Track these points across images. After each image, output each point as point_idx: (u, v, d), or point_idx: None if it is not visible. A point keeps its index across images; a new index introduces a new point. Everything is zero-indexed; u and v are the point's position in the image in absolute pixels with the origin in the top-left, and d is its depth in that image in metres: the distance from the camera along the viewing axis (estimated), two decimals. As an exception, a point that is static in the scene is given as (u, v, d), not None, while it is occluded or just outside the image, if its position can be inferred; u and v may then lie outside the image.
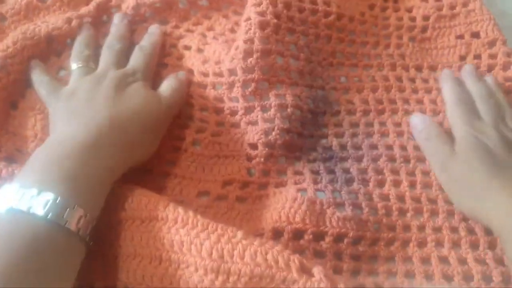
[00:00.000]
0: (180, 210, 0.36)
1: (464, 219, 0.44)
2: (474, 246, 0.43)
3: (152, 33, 0.53)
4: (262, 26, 0.50)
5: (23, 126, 0.47)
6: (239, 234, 0.35)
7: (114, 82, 0.45)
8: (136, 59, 0.49)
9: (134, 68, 0.48)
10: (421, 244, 0.43)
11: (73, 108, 0.43)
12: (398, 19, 0.58)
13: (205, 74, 0.51)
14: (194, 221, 0.35)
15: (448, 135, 0.47)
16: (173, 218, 0.36)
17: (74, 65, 0.49)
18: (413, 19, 0.58)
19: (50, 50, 0.52)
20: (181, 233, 0.35)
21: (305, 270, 0.33)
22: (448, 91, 0.51)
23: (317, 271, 0.32)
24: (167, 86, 0.48)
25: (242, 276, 0.33)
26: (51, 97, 0.46)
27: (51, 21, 0.52)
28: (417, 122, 0.49)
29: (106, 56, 0.49)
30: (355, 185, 0.46)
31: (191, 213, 0.36)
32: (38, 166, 0.37)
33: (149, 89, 0.47)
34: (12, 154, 0.45)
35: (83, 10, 0.54)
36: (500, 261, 0.42)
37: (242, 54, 0.49)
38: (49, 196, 0.34)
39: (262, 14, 0.50)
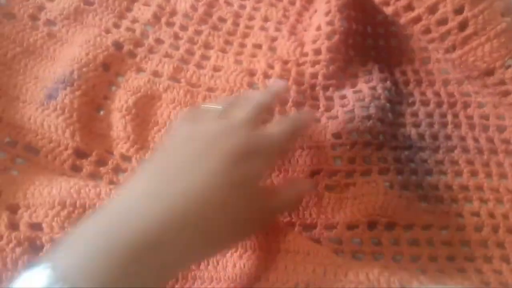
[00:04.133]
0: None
1: None
2: None
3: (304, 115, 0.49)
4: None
5: (112, 128, 0.49)
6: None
7: (242, 146, 0.36)
8: (280, 127, 0.41)
9: (273, 138, 0.39)
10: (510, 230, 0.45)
11: (169, 162, 0.36)
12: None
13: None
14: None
15: None
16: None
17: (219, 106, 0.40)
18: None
19: (122, 53, 0.54)
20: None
21: None
22: None
23: None
24: (289, 191, 0.42)
25: None
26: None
27: (113, 31, 0.56)
28: None
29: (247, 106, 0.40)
30: (434, 177, 0.48)
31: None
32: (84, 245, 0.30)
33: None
34: (103, 156, 0.47)
35: (142, 19, 0.57)
36: None
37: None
38: None
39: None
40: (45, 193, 0.40)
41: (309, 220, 0.45)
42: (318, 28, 0.55)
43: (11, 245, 0.39)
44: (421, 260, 0.44)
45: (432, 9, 0.46)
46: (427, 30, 0.46)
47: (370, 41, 0.57)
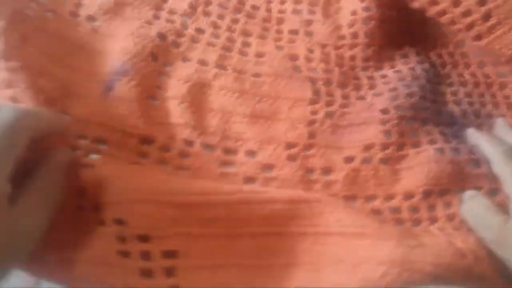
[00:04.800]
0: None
1: None
2: None
3: None
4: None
5: (170, 115, 0.51)
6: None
7: None
8: None
9: None
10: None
11: None
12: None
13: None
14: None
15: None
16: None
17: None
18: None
19: (166, 43, 0.56)
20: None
21: None
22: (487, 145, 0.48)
23: None
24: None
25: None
26: None
27: (154, 22, 0.57)
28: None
29: None
30: None
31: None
32: None
33: None
34: (166, 143, 0.49)
35: (179, 10, 0.60)
36: None
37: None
38: None
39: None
40: (123, 190, 0.41)
41: (369, 192, 0.48)
42: (354, 13, 0.57)
43: (102, 236, 0.39)
44: None
45: (456, 3, 0.50)
46: (453, 22, 0.49)
47: (404, 28, 0.60)
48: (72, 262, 0.38)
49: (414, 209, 0.47)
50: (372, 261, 0.38)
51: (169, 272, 0.39)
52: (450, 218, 0.47)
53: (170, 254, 0.40)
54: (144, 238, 0.40)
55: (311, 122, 0.52)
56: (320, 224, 0.42)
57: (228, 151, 0.49)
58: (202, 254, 0.41)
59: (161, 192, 0.41)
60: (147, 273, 0.39)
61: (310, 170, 0.49)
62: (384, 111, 0.52)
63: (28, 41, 0.51)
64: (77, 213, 0.41)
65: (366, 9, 0.57)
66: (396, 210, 0.47)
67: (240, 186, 0.43)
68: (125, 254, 0.39)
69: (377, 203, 0.47)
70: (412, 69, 0.55)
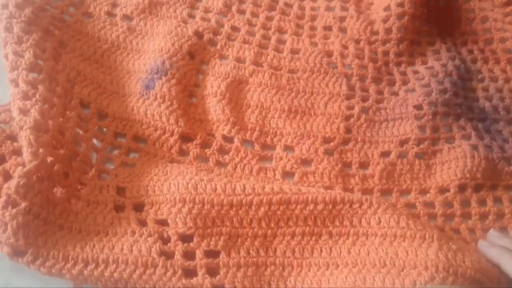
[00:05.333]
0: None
1: None
2: None
3: None
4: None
5: (208, 112, 0.52)
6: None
7: None
8: None
9: None
10: None
11: None
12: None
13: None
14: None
15: None
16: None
17: None
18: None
19: (203, 41, 0.57)
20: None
21: None
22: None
23: None
24: None
25: None
26: None
27: (189, 21, 0.59)
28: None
29: None
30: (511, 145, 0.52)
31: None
32: None
33: None
34: (206, 139, 0.50)
35: (214, 9, 0.61)
36: None
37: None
38: None
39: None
40: (165, 189, 0.42)
41: (404, 186, 0.49)
42: (387, 8, 0.58)
43: (143, 237, 0.41)
44: (505, 219, 0.48)
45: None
46: (508, 3, 0.50)
47: (435, 24, 0.61)
48: (111, 264, 0.39)
49: (448, 204, 0.48)
50: (418, 266, 0.38)
51: (212, 271, 0.40)
52: (484, 216, 0.48)
53: (212, 253, 0.41)
54: (187, 238, 0.41)
55: (347, 117, 0.53)
56: (361, 225, 0.42)
57: (266, 146, 0.51)
58: (243, 252, 0.41)
59: (203, 192, 0.42)
60: (190, 273, 0.40)
61: (347, 164, 0.50)
62: (418, 107, 0.53)
63: (65, 47, 0.53)
64: (116, 214, 0.42)
65: (400, 4, 0.57)
66: (430, 204, 0.48)
67: (280, 185, 0.43)
68: (168, 254, 0.40)
69: (411, 197, 0.48)
70: (444, 65, 0.56)
